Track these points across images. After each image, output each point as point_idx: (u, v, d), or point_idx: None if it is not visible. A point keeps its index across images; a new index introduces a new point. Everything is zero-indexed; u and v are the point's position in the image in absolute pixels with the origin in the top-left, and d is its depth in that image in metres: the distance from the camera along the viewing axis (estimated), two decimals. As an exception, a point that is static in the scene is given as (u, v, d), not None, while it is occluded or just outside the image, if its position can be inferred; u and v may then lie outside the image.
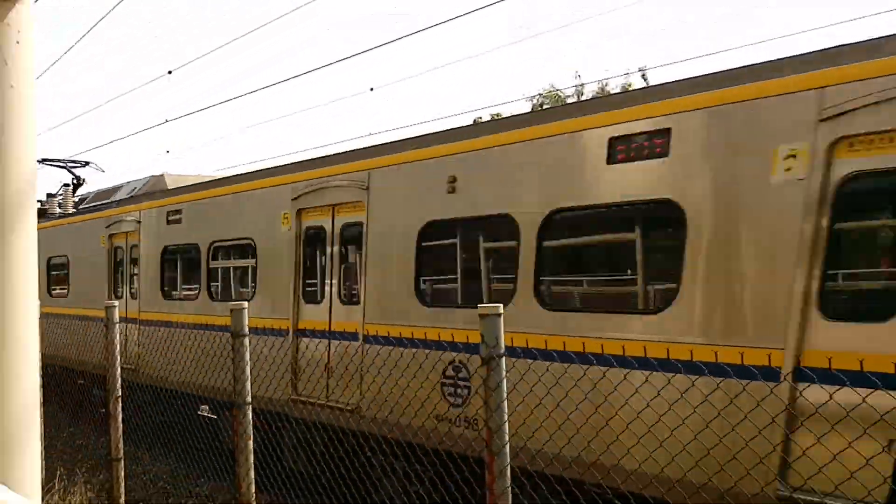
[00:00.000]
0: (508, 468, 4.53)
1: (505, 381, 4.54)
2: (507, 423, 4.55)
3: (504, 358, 4.54)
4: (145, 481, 10.24)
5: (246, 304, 5.74)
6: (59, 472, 8.95)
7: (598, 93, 28.91)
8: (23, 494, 1.03)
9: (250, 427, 5.39)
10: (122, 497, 6.62)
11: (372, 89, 21.56)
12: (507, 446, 4.53)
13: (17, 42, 1.54)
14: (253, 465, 5.38)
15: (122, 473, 6.73)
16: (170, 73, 19.95)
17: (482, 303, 6.31)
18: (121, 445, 6.72)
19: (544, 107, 29.28)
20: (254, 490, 5.42)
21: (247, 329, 5.54)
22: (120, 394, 6.70)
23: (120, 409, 6.70)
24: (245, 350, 5.45)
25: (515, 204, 7.40)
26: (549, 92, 29.99)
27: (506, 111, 30.74)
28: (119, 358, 6.78)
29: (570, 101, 29.17)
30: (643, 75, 28.98)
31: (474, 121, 28.76)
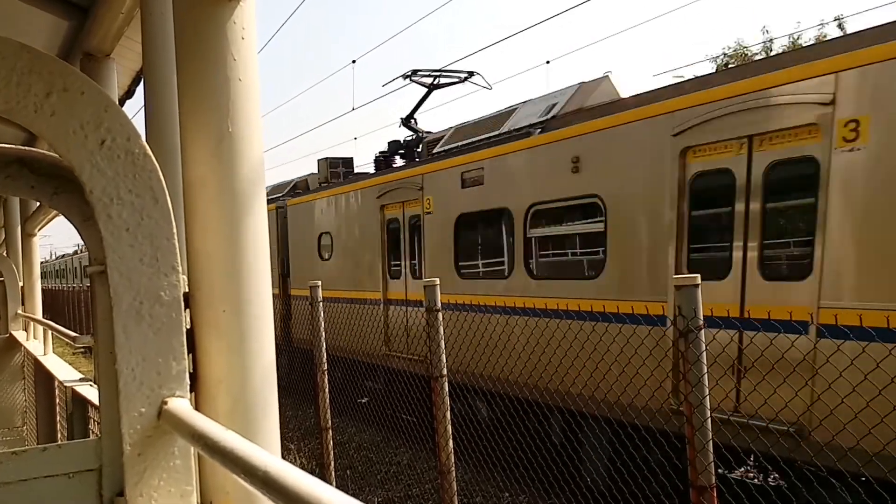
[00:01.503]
0: (711, 443, 4.38)
1: (705, 354, 4.39)
2: (707, 398, 4.40)
3: (703, 331, 4.39)
4: (350, 449, 10.88)
5: (437, 280, 5.90)
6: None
7: (788, 48, 26.73)
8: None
9: (447, 398, 5.56)
10: (332, 464, 7.07)
11: (548, 62, 21.17)
12: (709, 421, 4.39)
13: (243, 38, 1.67)
14: (451, 436, 5.56)
15: (331, 442, 7.18)
16: (353, 62, 20.79)
17: None
18: (329, 415, 7.17)
19: (730, 66, 27.56)
20: (453, 460, 5.59)
21: (439, 304, 5.71)
22: (326, 367, 7.13)
23: (326, 381, 7.14)
24: (439, 324, 5.61)
25: None
26: (736, 50, 28.12)
27: (687, 74, 29.34)
28: (324, 335, 7.22)
29: (757, 58, 27.23)
30: (840, 24, 26.43)
31: None
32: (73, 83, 1.48)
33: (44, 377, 4.71)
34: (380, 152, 15.35)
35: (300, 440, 11.46)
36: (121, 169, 1.52)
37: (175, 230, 1.58)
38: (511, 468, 8.71)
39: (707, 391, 4.39)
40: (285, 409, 13.88)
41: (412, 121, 15.06)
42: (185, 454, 1.57)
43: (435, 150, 12.27)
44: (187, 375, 1.58)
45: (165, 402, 1.54)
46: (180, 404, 1.53)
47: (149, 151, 1.55)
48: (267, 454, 1.07)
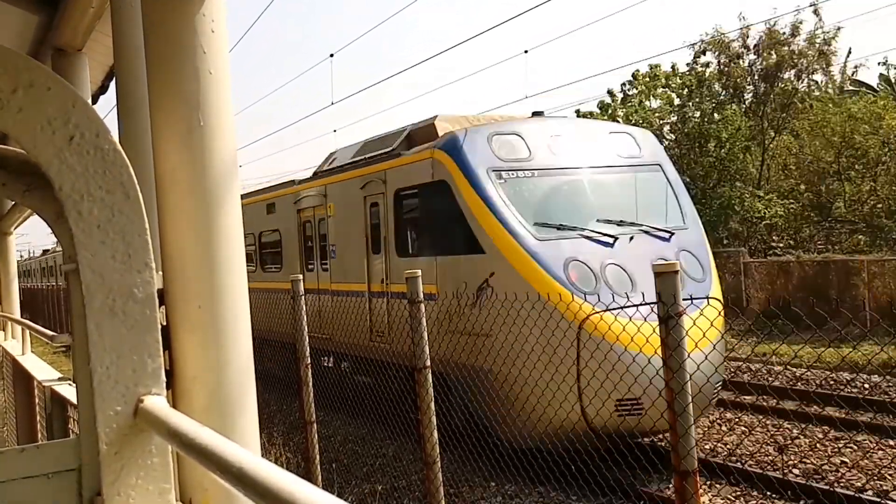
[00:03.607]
0: (693, 428, 4.41)
1: (685, 339, 4.41)
2: (689, 383, 4.43)
3: (683, 317, 4.41)
4: (335, 443, 10.86)
5: (419, 271, 5.91)
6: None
7: (764, 34, 26.79)
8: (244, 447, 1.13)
9: (431, 390, 5.56)
10: (318, 458, 7.06)
11: (526, 51, 21.04)
12: (691, 406, 4.41)
13: (213, 31, 1.65)
14: (436, 426, 5.56)
15: (316, 436, 7.16)
16: (331, 56, 20.67)
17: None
18: (312, 409, 7.15)
19: (707, 53, 27.54)
20: (438, 450, 5.60)
21: (422, 295, 5.72)
22: (309, 361, 7.10)
23: (310, 374, 7.11)
24: (422, 315, 5.61)
25: None
26: (714, 38, 28.14)
27: (666, 62, 29.39)
28: (306, 328, 7.19)
29: (733, 45, 27.17)
30: (815, 10, 26.54)
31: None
32: (39, 79, 1.45)
33: (22, 377, 4.65)
34: None
35: (285, 435, 11.44)
36: (90, 165, 1.50)
37: (147, 226, 1.56)
38: (497, 457, 8.74)
39: (688, 376, 4.42)
40: (269, 404, 13.84)
41: None
42: (162, 452, 1.56)
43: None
44: (163, 372, 1.56)
45: (141, 400, 1.52)
46: (156, 402, 1.52)
47: (119, 147, 1.53)
48: (241, 450, 1.06)
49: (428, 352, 5.62)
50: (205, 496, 1.63)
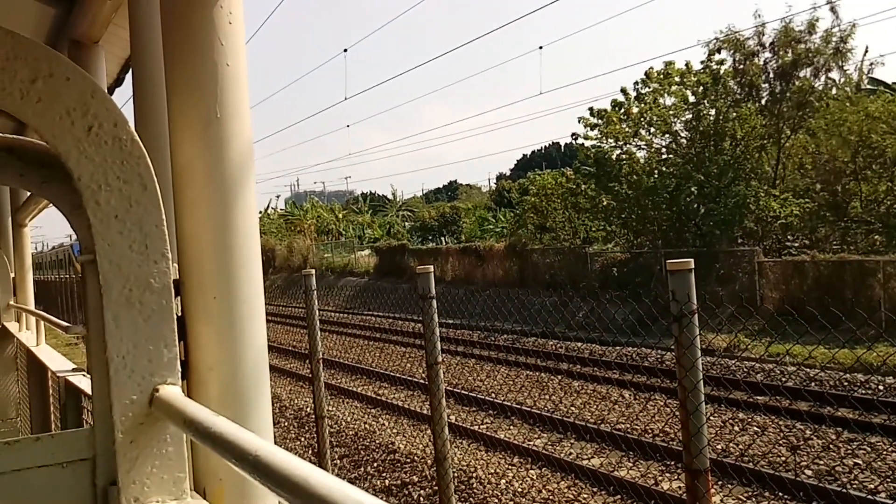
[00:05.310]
0: (705, 427, 4.39)
1: (698, 337, 4.39)
2: (701, 381, 4.41)
3: (696, 315, 4.39)
4: (346, 438, 10.89)
5: (431, 267, 5.91)
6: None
7: (780, 32, 26.50)
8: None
9: (443, 385, 5.56)
10: (329, 452, 7.08)
11: (541, 48, 21.00)
12: (703, 404, 4.39)
13: (230, 22, 1.65)
14: (447, 422, 5.57)
15: (327, 430, 7.18)
16: (345, 51, 20.70)
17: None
18: (324, 404, 7.17)
19: (721, 52, 27.27)
20: (449, 446, 5.60)
21: (433, 291, 5.71)
22: (322, 356, 7.12)
23: (322, 369, 7.14)
24: (434, 311, 5.61)
25: None
26: (728, 35, 27.83)
27: (680, 59, 29.10)
28: (318, 323, 7.20)
29: (749, 43, 26.92)
30: (832, 8, 26.26)
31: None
32: (58, 68, 1.46)
33: (37, 368, 4.69)
34: None
35: (298, 429, 11.48)
36: (108, 155, 1.51)
37: (164, 217, 1.56)
38: (510, 451, 8.75)
39: (701, 375, 4.40)
40: (281, 398, 13.89)
41: None
42: (177, 441, 1.56)
43: None
44: (178, 362, 1.57)
45: (157, 390, 1.53)
46: (172, 391, 1.52)
47: (136, 138, 1.53)
48: (257, 439, 1.06)
49: (440, 347, 5.62)
50: (219, 485, 1.64)
